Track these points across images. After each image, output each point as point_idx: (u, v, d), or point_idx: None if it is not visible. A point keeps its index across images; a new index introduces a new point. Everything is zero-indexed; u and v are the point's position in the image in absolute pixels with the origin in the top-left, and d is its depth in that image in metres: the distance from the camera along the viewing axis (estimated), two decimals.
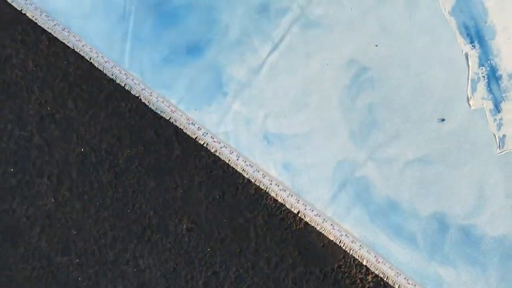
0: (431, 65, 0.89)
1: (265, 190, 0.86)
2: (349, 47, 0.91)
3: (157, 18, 0.96)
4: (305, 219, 0.85)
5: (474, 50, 0.87)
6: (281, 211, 0.85)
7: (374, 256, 0.83)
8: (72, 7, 0.97)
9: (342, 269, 0.83)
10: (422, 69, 0.89)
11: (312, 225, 0.84)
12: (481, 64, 0.87)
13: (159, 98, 0.92)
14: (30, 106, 0.92)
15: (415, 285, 0.82)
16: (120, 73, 0.93)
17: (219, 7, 0.95)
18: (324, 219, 0.85)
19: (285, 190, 0.86)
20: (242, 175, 0.87)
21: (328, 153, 0.88)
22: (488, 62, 0.87)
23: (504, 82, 0.86)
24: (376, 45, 0.91)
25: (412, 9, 0.91)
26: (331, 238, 0.84)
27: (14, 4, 0.98)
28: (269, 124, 0.90)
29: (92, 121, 0.91)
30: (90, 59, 0.94)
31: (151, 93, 0.92)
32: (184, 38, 0.94)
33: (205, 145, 0.89)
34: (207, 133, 0.90)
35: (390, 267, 0.82)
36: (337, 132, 0.88)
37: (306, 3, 0.94)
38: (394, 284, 0.83)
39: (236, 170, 0.87)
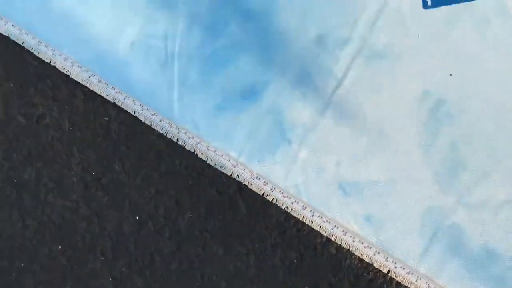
0: None
1: (348, 249, 0.77)
2: (421, 78, 0.83)
3: (204, 61, 0.86)
4: (396, 279, 0.75)
5: None
6: (369, 271, 0.76)
7: None
8: (106, 55, 0.87)
9: None
10: (504, 97, 0.80)
11: (406, 284, 0.75)
12: None
13: (217, 152, 0.82)
14: (72, 172, 0.82)
15: None
16: (170, 126, 0.83)
17: (273, 44, 0.85)
18: (418, 277, 0.76)
19: (370, 247, 0.77)
20: (320, 233, 0.78)
21: (413, 200, 0.79)
22: None
23: None
24: (450, 74, 0.82)
25: (484, 30, 0.83)
26: None
27: (40, 56, 0.87)
28: (343, 172, 0.81)
29: (145, 184, 0.81)
30: (134, 113, 0.84)
31: (208, 146, 0.82)
32: (237, 82, 0.85)
33: (274, 201, 0.80)
34: (274, 188, 0.81)
35: None
36: (420, 175, 0.80)
37: (367, 31, 0.84)
38: None
39: (312, 228, 0.78)
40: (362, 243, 0.78)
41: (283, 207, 0.79)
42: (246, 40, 0.86)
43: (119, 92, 0.85)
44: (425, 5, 0.85)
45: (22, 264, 0.80)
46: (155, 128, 0.83)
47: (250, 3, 0.87)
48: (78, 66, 0.86)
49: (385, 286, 0.76)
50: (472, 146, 0.80)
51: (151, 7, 0.87)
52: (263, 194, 0.80)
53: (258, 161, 0.82)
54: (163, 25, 0.87)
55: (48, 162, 0.82)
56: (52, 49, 0.87)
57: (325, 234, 0.78)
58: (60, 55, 0.86)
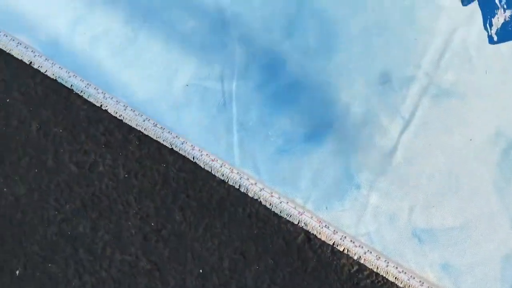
0: None
1: None
2: (492, 117, 0.79)
3: (264, 102, 0.82)
4: None
5: None
6: None
7: None
8: (160, 98, 0.83)
9: None
10: None
11: None
12: None
13: (282, 199, 0.78)
14: (130, 223, 0.78)
15: None
16: (232, 172, 0.79)
17: (335, 82, 0.82)
18: None
19: None
20: (396, 284, 0.73)
21: (491, 247, 0.75)
22: None
23: None
24: None
25: None
26: None
27: (90, 99, 0.83)
28: (417, 218, 0.77)
29: (208, 234, 0.77)
30: (193, 158, 0.80)
31: (272, 193, 0.78)
32: (299, 123, 0.81)
33: (345, 251, 0.76)
34: (345, 237, 0.76)
35: None
36: (497, 220, 0.76)
37: (433, 69, 0.81)
38: None
39: (387, 279, 0.74)
40: None
41: (355, 257, 0.75)
42: (306, 79, 0.82)
43: (176, 137, 0.80)
44: (491, 41, 0.82)
45: None
46: (216, 174, 0.79)
47: (309, 41, 0.83)
48: (131, 109, 0.82)
49: None
50: None
51: (205, 48, 0.84)
52: (333, 244, 0.76)
53: (326, 208, 0.78)
54: (219, 66, 0.83)
55: (103, 213, 0.78)
56: (102, 92, 0.83)
57: (401, 285, 0.74)
58: (112, 98, 0.82)
